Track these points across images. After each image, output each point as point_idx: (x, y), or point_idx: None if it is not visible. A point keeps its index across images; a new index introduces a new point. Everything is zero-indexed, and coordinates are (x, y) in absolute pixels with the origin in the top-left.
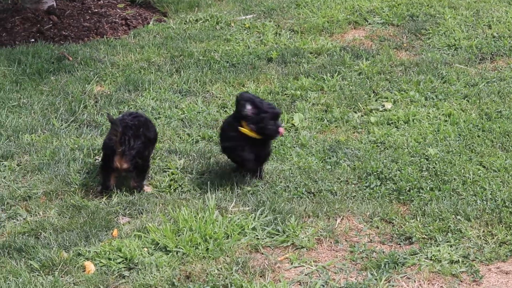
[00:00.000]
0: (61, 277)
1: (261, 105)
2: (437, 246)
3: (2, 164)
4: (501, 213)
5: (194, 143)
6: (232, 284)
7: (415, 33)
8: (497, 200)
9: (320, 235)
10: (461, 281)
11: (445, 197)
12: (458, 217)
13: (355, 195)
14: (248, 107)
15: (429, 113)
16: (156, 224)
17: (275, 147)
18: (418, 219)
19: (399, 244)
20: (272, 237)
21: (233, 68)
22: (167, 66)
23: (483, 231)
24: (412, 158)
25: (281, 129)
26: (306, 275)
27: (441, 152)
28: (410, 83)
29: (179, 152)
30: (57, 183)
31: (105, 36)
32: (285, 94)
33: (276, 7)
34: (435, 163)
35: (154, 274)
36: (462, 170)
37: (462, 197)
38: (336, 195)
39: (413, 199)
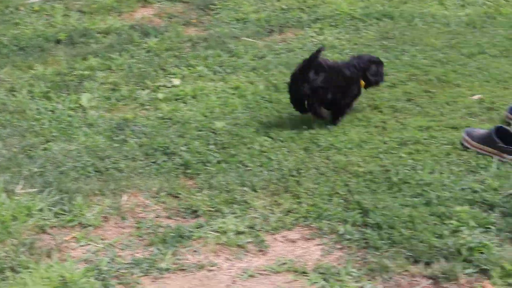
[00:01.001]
0: None
1: None
2: (223, 218)
3: None
4: (287, 183)
5: None
6: (19, 266)
7: (203, 8)
8: (284, 170)
9: (107, 212)
10: (247, 252)
11: (232, 169)
12: (245, 188)
13: (142, 172)
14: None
15: (216, 87)
16: None
17: (62, 128)
18: (205, 192)
19: (186, 218)
20: (59, 217)
21: (22, 52)
22: None
23: (269, 201)
24: (200, 132)
25: None
26: (93, 253)
27: (229, 125)
28: (198, 59)
29: None
30: None
31: None
32: (73, 74)
33: None
34: (223, 136)
35: None
36: (249, 142)
37: (249, 168)
38: (123, 172)
39: (200, 172)
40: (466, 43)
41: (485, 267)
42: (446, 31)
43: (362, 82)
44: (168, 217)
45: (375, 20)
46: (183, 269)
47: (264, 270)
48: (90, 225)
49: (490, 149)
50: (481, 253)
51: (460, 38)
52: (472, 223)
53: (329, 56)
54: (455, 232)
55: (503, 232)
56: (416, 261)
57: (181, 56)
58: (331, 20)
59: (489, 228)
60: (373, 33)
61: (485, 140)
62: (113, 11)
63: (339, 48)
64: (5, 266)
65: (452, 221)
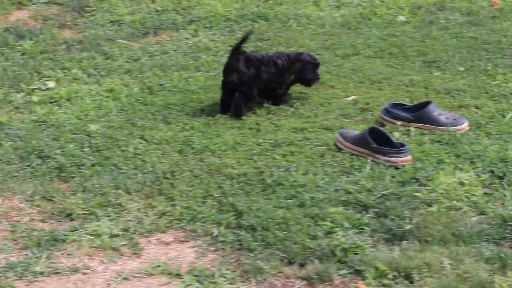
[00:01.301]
0: None
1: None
2: (98, 221)
3: None
4: (162, 185)
5: None
6: None
7: (79, 11)
8: (158, 172)
9: None
10: (122, 254)
11: (106, 172)
12: (119, 191)
13: (16, 175)
14: None
15: (91, 89)
16: None
17: None
18: (79, 196)
19: (60, 221)
20: None
21: None
22: None
23: (144, 204)
24: (74, 135)
25: None
26: None
27: (103, 128)
28: (73, 61)
29: None
30: None
31: None
32: None
33: None
34: (97, 139)
35: None
36: (124, 145)
37: (123, 171)
38: None
39: (74, 175)
40: (341, 44)
41: (359, 268)
42: (321, 32)
43: (292, 77)
44: (43, 221)
45: (249, 21)
46: (57, 273)
47: (138, 273)
48: None
49: (364, 150)
50: (355, 254)
51: (334, 39)
52: (346, 224)
53: (204, 58)
54: (329, 233)
55: (377, 233)
56: (290, 263)
57: (56, 58)
58: (206, 21)
59: (363, 229)
60: None
61: (359, 141)
62: None
63: (213, 50)
64: None
65: (326, 222)
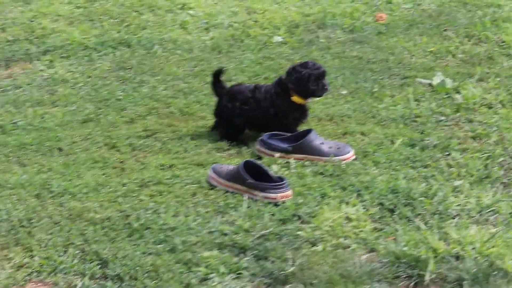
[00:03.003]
0: None
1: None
2: None
3: None
4: (18, 234)
5: None
6: None
7: None
8: (13, 220)
9: None
10: None
11: None
12: None
13: None
14: None
15: None
16: None
17: None
18: None
19: None
20: None
21: None
22: None
23: None
24: None
25: None
26: None
27: None
28: None
29: None
30: None
31: None
32: None
33: None
34: None
35: None
36: None
37: None
38: None
39: None
40: (211, 70)
41: None
42: (189, 57)
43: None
44: None
45: (110, 49)
46: None
47: None
48: None
49: (239, 187)
50: None
51: (204, 65)
52: (222, 269)
53: (61, 91)
54: (204, 280)
55: (257, 277)
56: None
57: None
58: (62, 51)
59: (241, 273)
60: (109, 63)
61: (234, 176)
62: None
63: (71, 82)
64: None
65: (200, 268)
